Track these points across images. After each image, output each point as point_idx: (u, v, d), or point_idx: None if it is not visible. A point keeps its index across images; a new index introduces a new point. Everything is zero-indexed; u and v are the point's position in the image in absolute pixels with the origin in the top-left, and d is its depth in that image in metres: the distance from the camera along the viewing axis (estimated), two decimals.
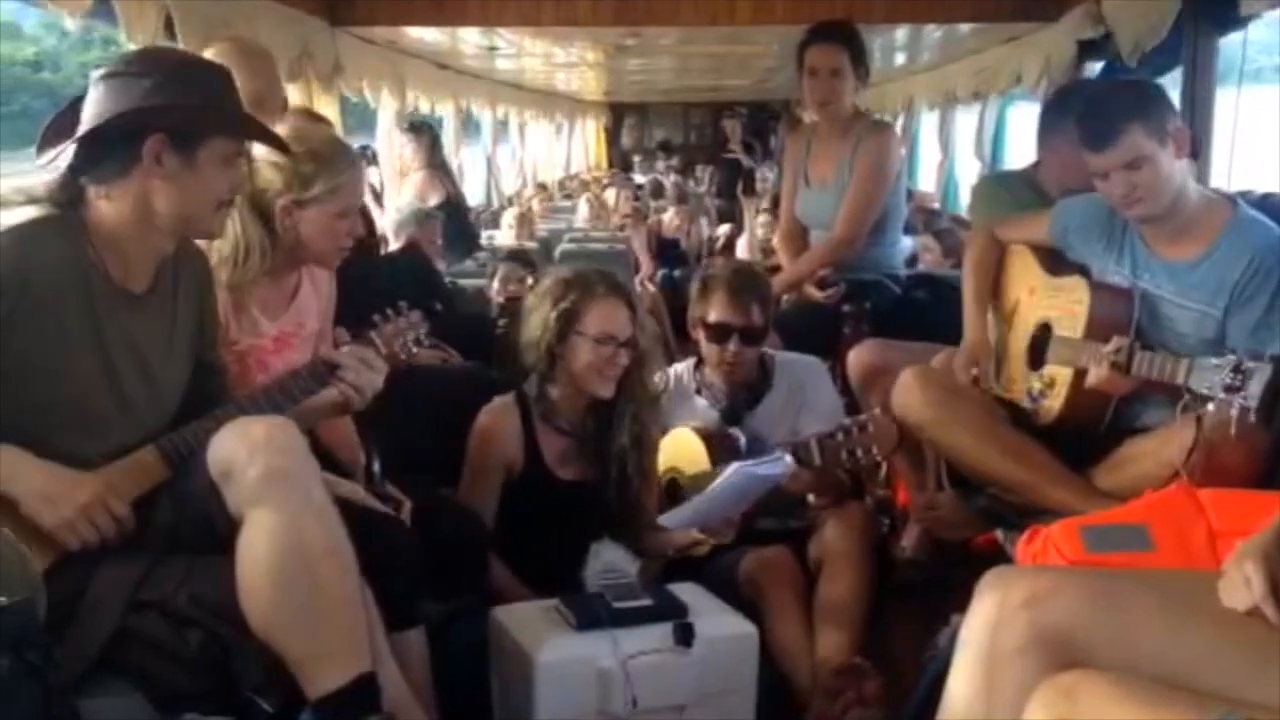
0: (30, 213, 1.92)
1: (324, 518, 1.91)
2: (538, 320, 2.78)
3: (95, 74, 1.98)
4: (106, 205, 1.95)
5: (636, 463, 2.79)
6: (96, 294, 1.95)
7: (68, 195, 1.95)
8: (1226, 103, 3.84)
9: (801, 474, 2.75)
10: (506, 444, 2.80)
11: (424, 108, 7.29)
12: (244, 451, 1.88)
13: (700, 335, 3.13)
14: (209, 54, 2.79)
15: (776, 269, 4.16)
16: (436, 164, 6.06)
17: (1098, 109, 2.61)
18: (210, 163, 1.98)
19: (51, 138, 1.98)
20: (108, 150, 1.94)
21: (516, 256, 5.16)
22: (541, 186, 9.84)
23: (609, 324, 2.73)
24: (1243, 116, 3.75)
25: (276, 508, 1.86)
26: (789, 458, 2.67)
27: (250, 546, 1.86)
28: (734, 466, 2.60)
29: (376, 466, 2.52)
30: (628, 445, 2.77)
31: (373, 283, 3.19)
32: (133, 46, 3.09)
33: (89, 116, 1.94)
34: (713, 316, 3.07)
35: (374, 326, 2.31)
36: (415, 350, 2.32)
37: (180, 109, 1.95)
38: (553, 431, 2.83)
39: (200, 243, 2.27)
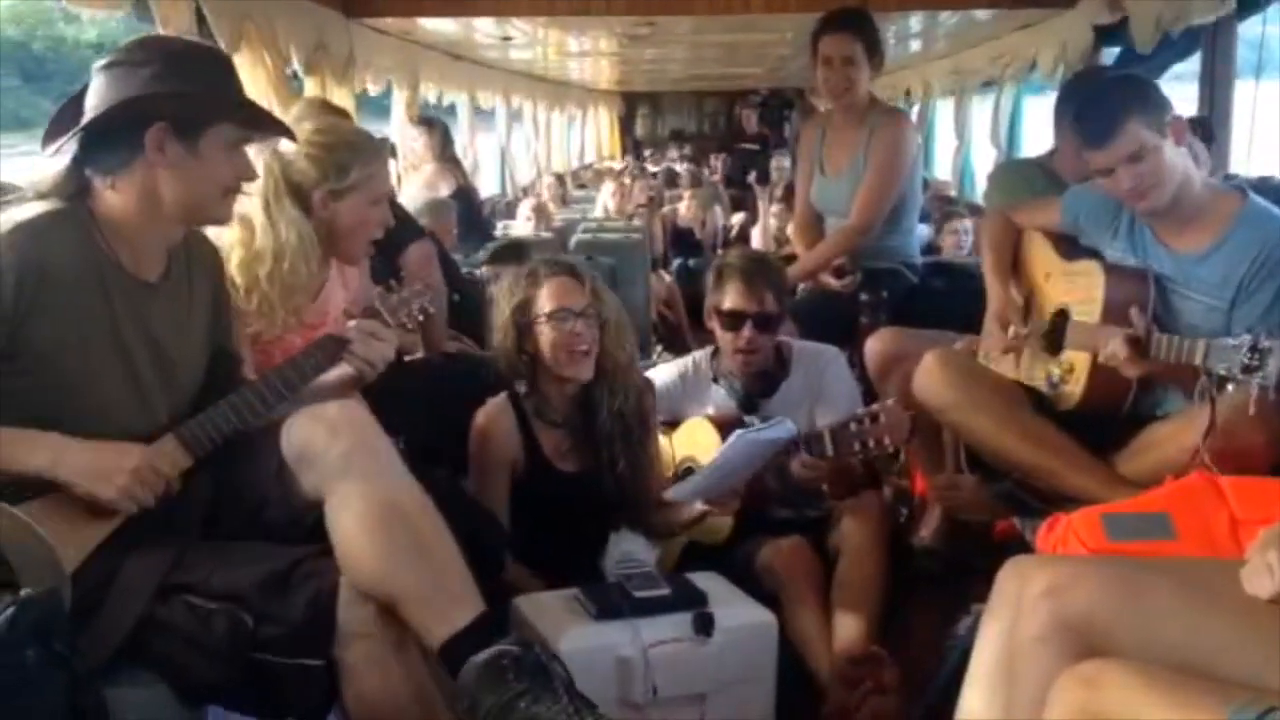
0: (39, 207, 1.91)
1: (411, 483, 1.96)
2: (501, 324, 2.82)
3: (96, 64, 1.97)
4: (113, 196, 1.95)
5: (625, 439, 2.79)
6: (111, 284, 1.95)
7: (74, 187, 1.95)
8: (1245, 94, 3.81)
9: (815, 465, 2.75)
10: (505, 443, 2.81)
11: (437, 98, 7.29)
12: (323, 433, 1.93)
13: (715, 324, 3.14)
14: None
15: (792, 258, 4.15)
16: (448, 157, 6.07)
17: (1093, 107, 2.59)
18: (214, 150, 1.97)
19: (63, 127, 1.96)
20: (111, 141, 1.93)
21: (506, 251, 4.93)
22: (557, 176, 9.86)
23: (560, 298, 2.76)
24: (1261, 109, 3.72)
25: (364, 476, 1.91)
26: (790, 422, 2.67)
27: (344, 511, 1.89)
28: (736, 434, 2.61)
29: None
30: (612, 424, 2.78)
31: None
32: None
33: (90, 107, 1.93)
34: (727, 304, 3.07)
35: (379, 299, 2.32)
36: (421, 318, 2.34)
37: (180, 97, 1.94)
38: (547, 426, 2.84)
39: (223, 238, 2.28)
